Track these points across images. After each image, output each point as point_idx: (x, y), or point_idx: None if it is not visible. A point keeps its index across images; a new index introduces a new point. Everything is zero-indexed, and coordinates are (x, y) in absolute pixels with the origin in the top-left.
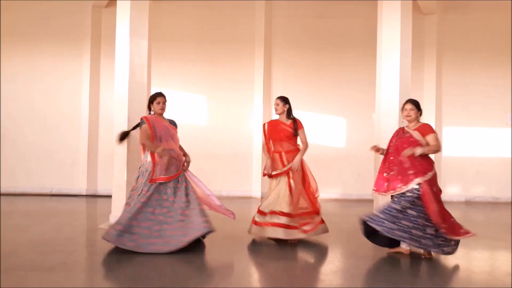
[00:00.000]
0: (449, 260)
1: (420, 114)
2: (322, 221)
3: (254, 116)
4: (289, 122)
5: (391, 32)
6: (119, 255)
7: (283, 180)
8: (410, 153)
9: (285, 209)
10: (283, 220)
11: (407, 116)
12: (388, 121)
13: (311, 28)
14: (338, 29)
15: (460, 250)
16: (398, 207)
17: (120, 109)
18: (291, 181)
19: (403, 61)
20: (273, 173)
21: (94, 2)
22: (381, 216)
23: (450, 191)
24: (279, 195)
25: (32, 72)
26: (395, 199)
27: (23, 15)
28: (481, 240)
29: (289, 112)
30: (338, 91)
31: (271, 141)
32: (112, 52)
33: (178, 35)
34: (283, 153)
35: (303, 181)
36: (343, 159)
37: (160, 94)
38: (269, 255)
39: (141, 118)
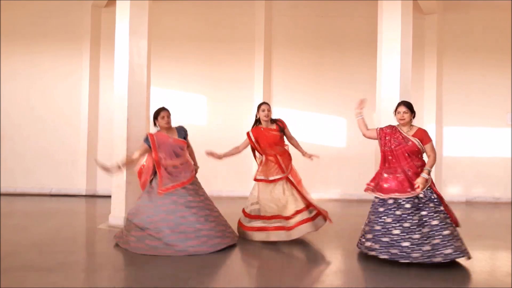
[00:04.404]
0: None
1: (413, 117)
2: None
3: (254, 116)
4: (274, 126)
5: (392, 31)
6: (119, 256)
7: (282, 184)
8: (424, 185)
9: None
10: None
11: (401, 119)
12: (388, 120)
13: (312, 28)
14: (339, 29)
15: None
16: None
17: (119, 108)
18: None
19: (403, 60)
20: (271, 178)
21: (93, 2)
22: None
23: (451, 191)
24: (288, 199)
25: (31, 71)
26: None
27: (22, 14)
28: (482, 240)
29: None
30: (339, 90)
31: (260, 147)
32: (112, 52)
33: (177, 34)
34: (278, 157)
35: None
36: (344, 159)
37: (163, 109)
38: (268, 255)
39: (147, 135)
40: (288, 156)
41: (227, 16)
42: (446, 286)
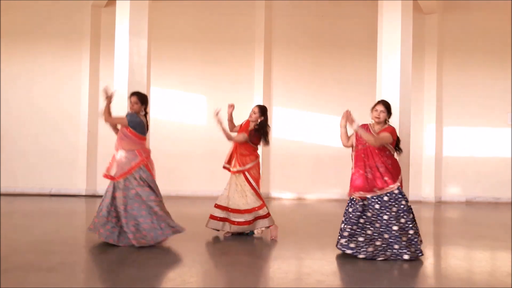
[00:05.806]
0: (449, 260)
1: (389, 117)
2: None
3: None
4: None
5: (392, 32)
6: (119, 256)
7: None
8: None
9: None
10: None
11: (377, 117)
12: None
13: (311, 28)
14: (339, 29)
15: (460, 250)
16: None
17: (119, 108)
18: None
19: (403, 61)
20: (234, 169)
21: (93, 2)
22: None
23: (451, 191)
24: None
25: (32, 71)
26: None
27: (22, 14)
28: (482, 240)
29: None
30: (338, 91)
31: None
32: (112, 52)
33: (177, 34)
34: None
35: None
36: (343, 159)
37: (132, 94)
38: (266, 254)
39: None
40: (245, 155)
41: (227, 16)
42: (447, 287)
